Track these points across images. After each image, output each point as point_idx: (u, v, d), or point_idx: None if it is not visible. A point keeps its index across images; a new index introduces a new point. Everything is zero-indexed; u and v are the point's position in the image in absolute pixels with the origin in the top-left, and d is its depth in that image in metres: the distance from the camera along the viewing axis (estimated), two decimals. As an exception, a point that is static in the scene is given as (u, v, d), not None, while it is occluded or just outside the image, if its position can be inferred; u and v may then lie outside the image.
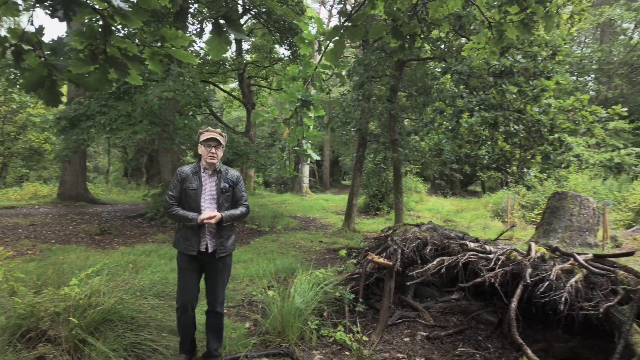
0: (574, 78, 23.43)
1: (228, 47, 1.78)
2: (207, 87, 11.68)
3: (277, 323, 3.64)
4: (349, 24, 1.85)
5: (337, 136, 11.67)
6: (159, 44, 1.66)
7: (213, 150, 3.04)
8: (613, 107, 6.07)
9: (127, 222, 9.95)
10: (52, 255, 6.24)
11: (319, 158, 2.18)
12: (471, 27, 6.26)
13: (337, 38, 1.89)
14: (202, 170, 3.12)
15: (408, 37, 2.22)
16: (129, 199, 15.34)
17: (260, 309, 4.36)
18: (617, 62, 23.16)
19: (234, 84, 19.51)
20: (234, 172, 3.24)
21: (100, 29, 1.59)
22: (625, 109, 6.22)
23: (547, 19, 2.04)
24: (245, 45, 17.09)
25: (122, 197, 16.14)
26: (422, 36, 2.42)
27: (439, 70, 7.79)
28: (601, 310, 3.02)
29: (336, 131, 9.10)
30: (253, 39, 16.49)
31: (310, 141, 2.20)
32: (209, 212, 3.00)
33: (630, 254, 3.67)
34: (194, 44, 11.78)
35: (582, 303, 3.13)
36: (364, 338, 3.70)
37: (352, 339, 3.62)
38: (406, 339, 3.77)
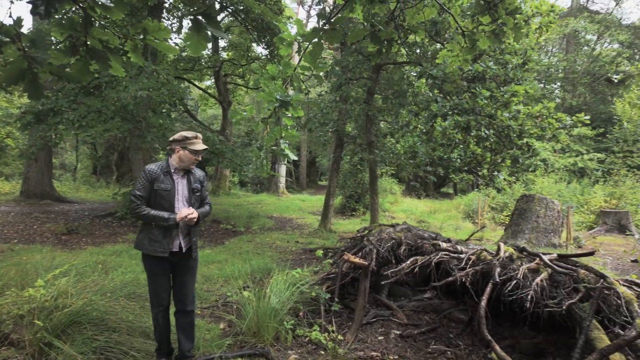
0: (542, 85, 24.44)
1: (207, 45, 1.77)
2: (182, 85, 11.46)
3: (252, 323, 3.62)
4: (328, 26, 1.87)
5: (315, 137, 11.73)
6: (141, 37, 1.63)
7: (199, 158, 3.06)
8: (577, 115, 6.39)
9: (96, 221, 9.62)
10: (14, 256, 5.96)
11: (296, 158, 2.19)
12: (446, 35, 6.44)
13: (315, 40, 1.91)
14: (173, 171, 3.06)
15: (385, 42, 2.27)
16: (98, 198, 14.82)
17: (235, 309, 4.32)
18: (581, 72, 24.33)
19: (209, 82, 19.21)
20: (200, 172, 3.23)
21: (80, 21, 1.55)
22: (587, 116, 6.56)
23: (516, 30, 2.15)
24: (222, 43, 16.87)
25: (91, 195, 15.57)
26: (399, 42, 2.47)
27: (415, 74, 7.96)
28: (564, 307, 3.17)
29: (314, 132, 9.13)
30: (230, 37, 16.29)
31: (288, 141, 2.19)
32: (186, 210, 2.96)
33: (590, 254, 3.87)
34: (170, 39, 11.51)
35: (546, 301, 3.28)
36: (339, 337, 3.73)
37: (328, 338, 3.65)
38: (380, 338, 3.84)
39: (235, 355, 3.26)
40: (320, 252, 6.33)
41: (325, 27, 1.86)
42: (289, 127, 1.93)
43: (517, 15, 2.08)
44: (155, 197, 2.97)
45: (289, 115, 1.92)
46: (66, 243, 7.46)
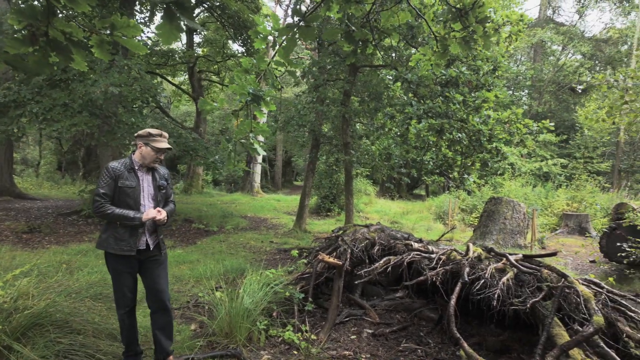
0: (510, 92, 25.38)
1: (179, 35, 1.73)
2: (155, 80, 11.15)
3: (224, 324, 3.57)
4: (303, 23, 1.88)
5: (292, 137, 11.70)
6: (108, 32, 1.57)
7: (161, 157, 3.01)
8: (542, 121, 6.70)
9: (61, 219, 9.21)
10: (-30, 255, 5.62)
11: (264, 153, 2.14)
12: (419, 40, 6.59)
13: (289, 36, 1.90)
14: (137, 167, 2.99)
15: (360, 42, 2.30)
16: (63, 195, 14.20)
17: (207, 310, 4.25)
18: (547, 80, 25.45)
19: (183, 77, 18.79)
20: (164, 169, 3.19)
21: (42, 9, 1.47)
22: (552, 123, 6.87)
23: (485, 38, 2.24)
24: (197, 38, 16.54)
25: (55, 192, 14.90)
26: (373, 43, 2.50)
27: (390, 78, 8.09)
28: (528, 305, 3.31)
29: (291, 133, 9.12)
30: (205, 33, 16.01)
31: (260, 135, 2.17)
32: (152, 210, 2.91)
33: (553, 254, 4.06)
34: (142, 32, 11.18)
35: (512, 299, 3.41)
36: (312, 337, 3.74)
37: (301, 338, 3.65)
38: (353, 337, 3.87)
39: (207, 356, 3.21)
40: (295, 252, 6.32)
41: (300, 24, 1.86)
42: (260, 121, 1.92)
43: (487, 24, 2.17)
44: (120, 195, 2.88)
45: (262, 109, 1.91)
46: (27, 242, 7.11)
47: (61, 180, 17.37)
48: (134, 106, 9.67)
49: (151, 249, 2.98)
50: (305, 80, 8.75)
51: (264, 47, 1.84)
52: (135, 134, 3.01)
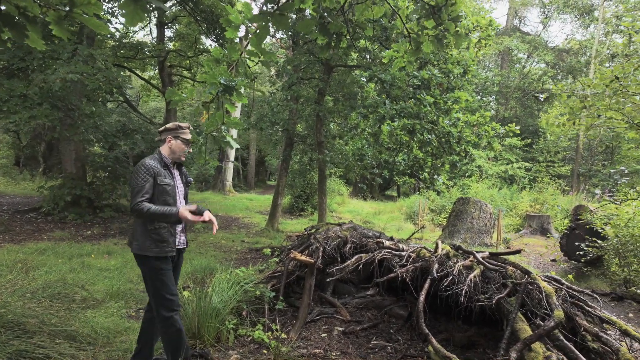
0: (479, 97, 26.24)
1: (146, 16, 1.65)
2: (122, 73, 10.73)
3: (192, 324, 3.46)
4: (277, 11, 1.84)
5: (265, 135, 11.59)
6: (67, 8, 1.46)
7: (190, 150, 2.95)
8: (509, 125, 6.95)
9: (17, 216, 8.70)
10: None
11: (238, 146, 2.07)
12: (393, 37, 6.68)
13: (262, 24, 1.85)
14: (168, 163, 2.87)
15: (334, 35, 2.29)
16: (21, 191, 13.43)
17: (173, 310, 4.12)
18: (513, 87, 26.49)
19: (153, 72, 18.21)
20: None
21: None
22: (518, 127, 7.14)
23: (457, 37, 2.27)
24: (168, 32, 16.08)
25: (12, 188, 14.06)
26: (347, 36, 2.50)
27: (365, 79, 8.17)
28: (494, 301, 3.40)
29: (264, 130, 9.02)
30: (177, 26, 15.58)
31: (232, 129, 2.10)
32: (186, 209, 2.68)
33: (517, 252, 4.20)
34: (109, 23, 10.73)
35: (478, 295, 3.50)
36: (283, 335, 3.70)
37: (271, 337, 3.60)
38: (324, 335, 3.86)
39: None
40: (267, 251, 6.24)
41: (272, 11, 1.82)
42: (232, 113, 1.86)
43: (459, 22, 2.21)
44: (160, 194, 2.73)
45: (233, 102, 1.85)
46: (-21, 240, 6.66)
47: (19, 176, 16.43)
48: (98, 99, 9.26)
49: (186, 247, 2.97)
50: (279, 78, 8.69)
51: (235, 36, 1.78)
52: (161, 129, 2.91)
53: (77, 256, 5.87)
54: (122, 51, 13.11)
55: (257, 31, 1.79)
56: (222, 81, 1.69)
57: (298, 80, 7.72)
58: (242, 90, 1.84)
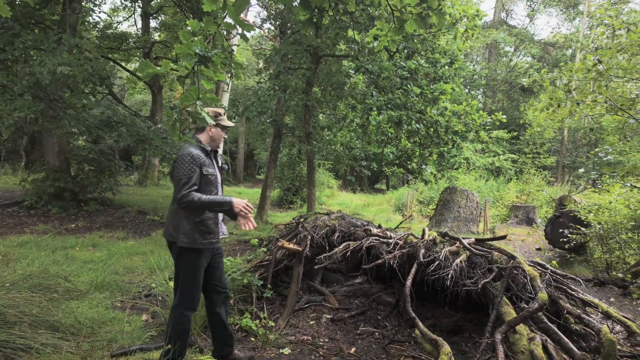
0: (467, 91, 26.43)
1: (130, 5, 1.59)
2: (109, 64, 10.48)
3: (178, 313, 3.42)
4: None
5: (253, 127, 11.50)
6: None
7: (226, 135, 2.96)
8: (495, 114, 7.02)
9: (-1, 211, 8.50)
10: None
11: (213, 123, 2.00)
12: (377, 15, 6.61)
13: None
14: (209, 152, 2.82)
15: (316, 10, 2.25)
16: (2, 185, 13.11)
17: (160, 300, 4.07)
18: (500, 80, 26.74)
19: (138, 64, 17.88)
20: None
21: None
22: (504, 115, 7.21)
23: (440, 16, 2.26)
24: (154, 23, 15.78)
25: (-7, 183, 13.72)
26: (330, 12, 2.47)
27: (352, 71, 8.13)
28: (479, 286, 3.44)
29: (252, 121, 8.93)
30: (162, 17, 15.30)
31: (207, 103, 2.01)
32: (240, 200, 2.62)
33: (503, 237, 4.25)
34: (92, 12, 10.47)
35: (464, 280, 3.53)
36: (271, 323, 3.69)
37: (259, 324, 3.59)
38: (312, 322, 3.86)
39: (158, 345, 3.06)
40: (255, 241, 6.21)
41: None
42: (208, 89, 1.80)
43: (442, 1, 2.20)
44: (205, 184, 2.64)
45: (210, 78, 1.80)
46: (-42, 235, 6.49)
47: (0, 170, 16.03)
48: (85, 90, 9.04)
49: (226, 236, 2.93)
50: (266, 70, 8.60)
51: (214, 9, 1.73)
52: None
53: (60, 249, 5.76)
54: (105, 42, 12.83)
55: (236, 0, 1.75)
56: (197, 51, 1.65)
57: (285, 69, 7.64)
58: (218, 66, 1.79)
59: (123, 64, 15.21)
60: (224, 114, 2.91)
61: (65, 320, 3.17)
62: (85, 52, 8.00)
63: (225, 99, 17.28)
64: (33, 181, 9.11)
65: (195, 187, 2.56)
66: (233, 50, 13.84)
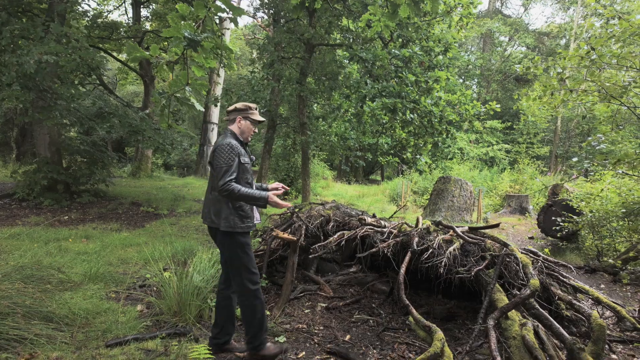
0: (461, 81, 26.40)
1: None
2: (99, 54, 10.31)
3: (173, 303, 3.44)
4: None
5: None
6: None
7: (256, 131, 3.02)
8: (490, 103, 7.02)
9: (-10, 203, 8.40)
10: None
11: (202, 109, 1.99)
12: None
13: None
14: (243, 143, 2.95)
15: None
16: (-7, 178, 12.95)
17: (155, 291, 4.08)
18: (494, 70, 26.72)
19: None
20: None
21: None
22: (498, 105, 7.22)
23: (434, 2, 2.24)
24: (145, 12, 15.51)
25: (-17, 175, 13.54)
26: (322, -3, 2.44)
27: (346, 60, 8.07)
28: (472, 273, 3.47)
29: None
30: (154, 6, 15.02)
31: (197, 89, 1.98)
32: (273, 194, 2.78)
33: (496, 225, 4.29)
34: (81, 1, 10.25)
35: (458, 268, 3.56)
36: (266, 312, 3.70)
37: (254, 314, 3.60)
38: (307, 311, 3.88)
39: (153, 335, 3.07)
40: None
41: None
42: (197, 76, 1.77)
43: (435, -14, 2.19)
44: (242, 173, 2.79)
45: (200, 64, 1.76)
46: (-51, 227, 6.41)
47: (-9, 162, 15.81)
48: (75, 80, 8.90)
49: (259, 222, 3.03)
50: (260, 60, 8.51)
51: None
52: (230, 108, 2.94)
53: (53, 240, 5.72)
54: (96, 31, 12.59)
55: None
56: (186, 34, 1.61)
57: (279, 58, 7.56)
58: (209, 51, 1.76)
59: (114, 54, 14.97)
60: (256, 109, 2.99)
61: (59, 311, 3.16)
62: (73, 42, 7.83)
63: (219, 90, 17.14)
64: (24, 173, 9.00)
65: (235, 175, 2.70)
66: (223, 35, 13.62)
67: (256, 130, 3.02)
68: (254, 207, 2.94)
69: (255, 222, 2.94)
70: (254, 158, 3.15)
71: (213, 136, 18.08)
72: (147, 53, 1.66)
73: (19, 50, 7.42)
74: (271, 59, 7.47)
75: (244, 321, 2.91)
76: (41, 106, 8.24)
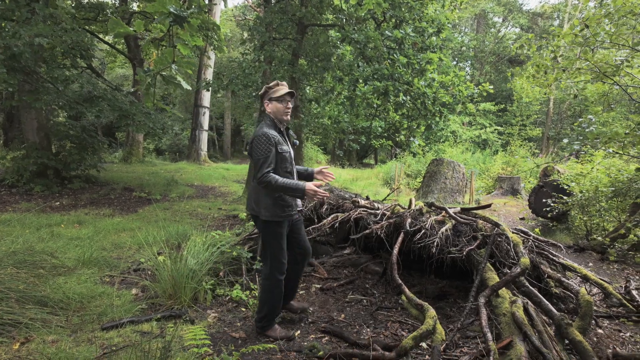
0: (455, 62, 26.23)
1: None
2: (87, 35, 10.02)
3: (167, 286, 3.45)
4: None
5: (239, 101, 11.26)
6: None
7: (289, 105, 2.87)
8: (483, 84, 7.00)
9: (-22, 190, 8.28)
10: None
11: (189, 87, 1.95)
12: None
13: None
14: (282, 129, 2.90)
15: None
16: (-19, 165, 12.73)
17: (149, 275, 4.09)
18: (488, 52, 26.57)
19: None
20: None
21: None
22: (491, 87, 7.20)
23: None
24: (132, -7, 15.02)
25: (-29, 162, 13.29)
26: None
27: (339, 42, 7.95)
28: (464, 253, 3.52)
29: (237, 95, 8.73)
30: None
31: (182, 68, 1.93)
32: (311, 184, 2.72)
33: (487, 206, 4.32)
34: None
35: (450, 248, 3.61)
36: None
37: (249, 295, 3.64)
38: (301, 292, 3.93)
39: (148, 318, 3.09)
40: (243, 215, 6.21)
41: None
42: (185, 54, 1.72)
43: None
44: (280, 162, 2.79)
45: (186, 42, 1.72)
46: (-63, 214, 6.32)
47: (-22, 149, 15.52)
48: (66, 63, 8.66)
49: (303, 209, 3.04)
50: (250, 38, 8.34)
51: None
52: (260, 94, 2.92)
53: (45, 226, 5.68)
54: (81, 12, 12.22)
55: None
56: (172, 10, 1.56)
57: (270, 39, 7.42)
58: (195, 28, 1.71)
59: (101, 36, 14.59)
60: (276, 86, 2.88)
61: (54, 296, 3.16)
62: (61, 23, 7.60)
63: (210, 73, 16.85)
64: (13, 159, 8.86)
65: (272, 166, 2.72)
66: (211, 10, 13.25)
67: (289, 106, 2.87)
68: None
69: (298, 209, 2.98)
70: (297, 142, 3.07)
71: (205, 120, 17.87)
72: (131, 29, 1.61)
73: (4, 33, 7.20)
74: (262, 40, 7.33)
75: (259, 300, 3.02)
76: (28, 90, 8.06)
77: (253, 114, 16.55)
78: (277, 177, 2.70)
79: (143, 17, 14.65)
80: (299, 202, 3.01)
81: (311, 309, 3.56)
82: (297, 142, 3.08)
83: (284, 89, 2.86)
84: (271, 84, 2.89)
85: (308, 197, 2.70)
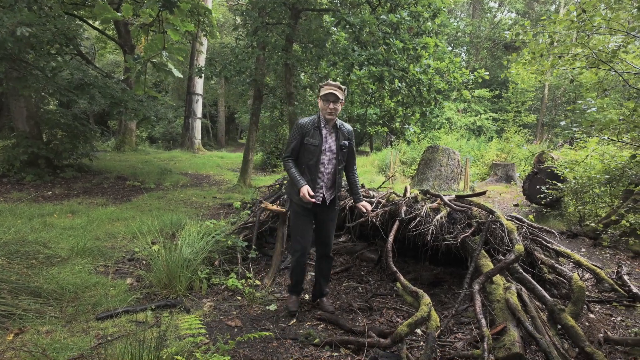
0: (450, 49, 26.02)
1: None
2: (75, 22, 9.78)
3: (162, 275, 3.44)
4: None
5: (232, 88, 11.10)
6: None
7: (332, 105, 2.95)
8: (478, 70, 6.95)
9: (-32, 180, 8.16)
10: None
11: (181, 75, 1.90)
12: None
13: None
14: (322, 125, 3.04)
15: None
16: (-29, 154, 12.52)
17: (144, 264, 4.07)
18: (484, 37, 26.36)
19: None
20: (349, 127, 3.20)
21: None
22: (487, 73, 7.15)
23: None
24: (121, -23, 14.63)
25: (-39, 152, 13.08)
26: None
27: (334, 27, 7.82)
28: (459, 240, 3.54)
29: (230, 81, 8.59)
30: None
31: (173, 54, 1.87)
32: (305, 189, 2.91)
33: (482, 193, 4.34)
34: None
35: (445, 235, 3.62)
36: (257, 282, 3.74)
37: (245, 284, 3.64)
38: (297, 280, 3.93)
39: (144, 307, 3.08)
40: (237, 203, 6.19)
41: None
42: (176, 40, 1.67)
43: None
44: (304, 152, 3.01)
45: (177, 27, 1.66)
46: None
47: (-33, 138, 15.25)
48: (51, 51, 8.46)
49: (327, 204, 3.12)
50: (243, 23, 8.18)
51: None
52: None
53: (37, 216, 5.62)
54: (69, -3, 11.89)
55: None
56: (161, -8, 1.51)
57: (263, 24, 7.28)
58: (185, 12, 1.65)
59: (90, 21, 14.24)
60: (325, 85, 2.99)
61: (47, 286, 3.14)
62: (46, 9, 7.39)
63: (202, 59, 16.59)
64: (3, 148, 8.72)
65: (290, 153, 3.03)
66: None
67: (331, 107, 2.94)
68: (320, 188, 3.08)
69: (318, 202, 3.05)
70: (346, 144, 3.06)
71: (198, 108, 17.66)
72: (119, 14, 1.55)
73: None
74: (255, 25, 7.19)
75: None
76: (15, 77, 7.88)
77: (247, 101, 16.37)
78: (290, 164, 3.04)
79: (133, 2, 14.32)
80: (320, 196, 3.09)
81: (307, 296, 3.57)
82: (346, 143, 3.09)
83: (327, 88, 2.96)
84: (322, 84, 3.03)
85: (300, 196, 2.91)
